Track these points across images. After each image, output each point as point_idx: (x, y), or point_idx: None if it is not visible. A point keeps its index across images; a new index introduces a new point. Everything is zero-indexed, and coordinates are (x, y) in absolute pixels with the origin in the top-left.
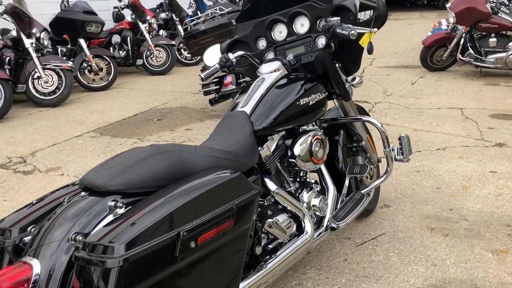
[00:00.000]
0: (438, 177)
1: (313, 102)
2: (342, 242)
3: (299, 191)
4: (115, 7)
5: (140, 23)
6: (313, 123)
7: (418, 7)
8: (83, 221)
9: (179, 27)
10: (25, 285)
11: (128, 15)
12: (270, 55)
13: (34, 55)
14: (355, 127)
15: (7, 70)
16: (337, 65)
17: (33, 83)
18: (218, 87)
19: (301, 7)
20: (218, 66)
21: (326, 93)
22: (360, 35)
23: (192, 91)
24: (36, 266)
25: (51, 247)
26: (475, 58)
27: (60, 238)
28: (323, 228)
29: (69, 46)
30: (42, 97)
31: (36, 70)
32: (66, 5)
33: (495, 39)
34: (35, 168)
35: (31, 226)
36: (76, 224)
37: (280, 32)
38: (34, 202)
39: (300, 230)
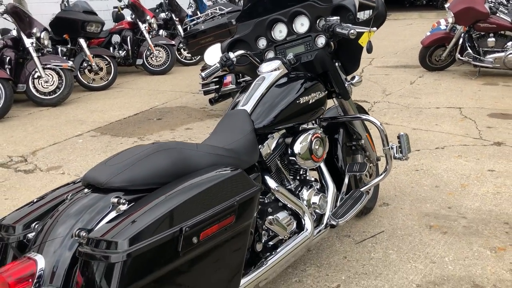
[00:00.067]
0: (436, 175)
1: (313, 100)
2: (342, 239)
3: (299, 189)
4: (115, 7)
5: (140, 23)
6: (313, 122)
7: (417, 7)
8: (86, 218)
9: (179, 27)
10: (30, 280)
11: (128, 15)
12: (270, 54)
13: (34, 54)
14: (354, 125)
15: (7, 70)
16: (336, 64)
17: (33, 83)
18: (218, 86)
19: (301, 6)
20: (218, 65)
21: (326, 92)
22: (360, 35)
23: (192, 90)
24: (41, 262)
25: (55, 243)
26: (473, 58)
27: (64, 234)
28: (323, 225)
29: (69, 45)
30: (43, 96)
31: (37, 69)
32: (66, 5)
33: (493, 39)
34: (36, 167)
35: (35, 223)
36: (80, 220)
37: (280, 32)
38: (37, 199)
39: (300, 227)
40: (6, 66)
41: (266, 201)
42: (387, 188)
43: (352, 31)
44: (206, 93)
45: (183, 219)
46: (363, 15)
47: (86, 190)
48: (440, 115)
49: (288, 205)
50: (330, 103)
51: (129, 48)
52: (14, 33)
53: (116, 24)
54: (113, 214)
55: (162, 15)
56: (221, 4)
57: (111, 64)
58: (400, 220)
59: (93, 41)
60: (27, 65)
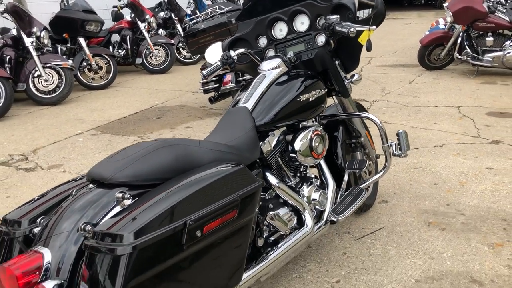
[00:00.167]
0: (435, 173)
1: (313, 98)
2: (342, 236)
3: (300, 185)
4: (114, 6)
5: (139, 22)
6: (313, 119)
7: (416, 6)
8: (91, 212)
9: (178, 26)
10: (37, 273)
11: (127, 14)
12: (271, 52)
13: (34, 53)
14: (354, 123)
15: (7, 69)
16: (336, 62)
17: (33, 82)
18: (217, 85)
19: (301, 5)
20: (220, 64)
21: (326, 90)
22: (359, 33)
23: (191, 89)
24: (47, 255)
25: (61, 237)
26: (472, 57)
27: (69, 228)
28: (323, 221)
29: (68, 45)
30: (43, 95)
31: (37, 68)
32: (66, 4)
33: (492, 38)
34: (37, 165)
35: (41, 218)
36: (85, 215)
37: (280, 30)
38: (42, 195)
39: (301, 223)
40: (6, 65)
41: (267, 197)
42: (386, 185)
43: (352, 29)
44: (206, 92)
45: (187, 213)
46: (362, 13)
47: (90, 185)
48: (438, 114)
49: (288, 201)
50: (330, 101)
51: (129, 47)
52: (14, 32)
53: (116, 23)
54: (117, 209)
55: (162, 14)
56: (220, 3)
57: (111, 63)
58: (399, 217)
59: (92, 40)
60: (27, 64)
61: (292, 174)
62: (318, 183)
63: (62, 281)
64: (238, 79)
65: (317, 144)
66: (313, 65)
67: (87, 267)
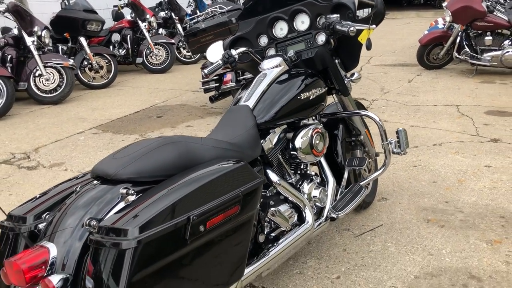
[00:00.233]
0: (434, 171)
1: (314, 96)
2: (341, 233)
3: (300, 182)
4: (114, 6)
5: (139, 22)
6: (313, 117)
7: (415, 6)
8: (96, 208)
9: (178, 26)
10: (43, 267)
11: (127, 13)
12: (272, 51)
13: (35, 53)
14: (354, 121)
15: (9, 68)
16: (336, 61)
17: (34, 81)
18: (218, 84)
19: (302, 4)
20: (221, 62)
21: (326, 88)
22: (359, 32)
23: (192, 89)
24: (53, 250)
25: (66, 233)
26: (471, 56)
27: (74, 224)
28: (323, 218)
29: (69, 44)
30: (44, 94)
31: (38, 68)
32: (67, 3)
33: (490, 38)
34: (38, 163)
35: (46, 214)
36: (89, 211)
37: (281, 29)
38: (46, 191)
39: (301, 220)
40: (8, 65)
41: (268, 194)
42: (386, 183)
43: (352, 28)
44: (206, 91)
45: (190, 208)
46: (362, 13)
47: (95, 182)
48: (437, 113)
49: (289, 198)
50: (330, 99)
51: (129, 46)
52: (15, 31)
53: (116, 22)
54: (122, 205)
55: (162, 14)
56: (221, 3)
57: (112, 62)
58: (399, 214)
59: (93, 40)
60: (28, 63)
61: (292, 171)
62: (318, 181)
63: (68, 275)
64: (238, 78)
65: (317, 142)
66: (313, 63)
67: (92, 262)
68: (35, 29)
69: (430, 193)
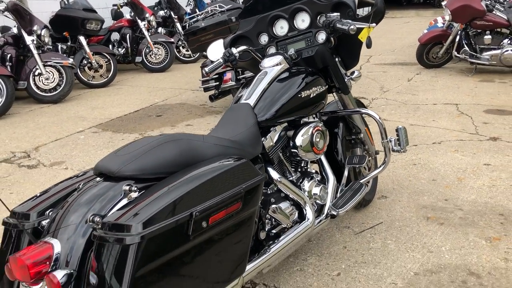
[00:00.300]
0: (434, 169)
1: (314, 95)
2: (342, 230)
3: (301, 180)
4: (114, 5)
5: (139, 21)
6: (314, 116)
7: (414, 5)
8: (99, 205)
9: (178, 25)
10: (47, 262)
11: (127, 12)
12: (272, 49)
13: (35, 52)
14: (354, 119)
15: (8, 67)
16: (336, 59)
17: (34, 80)
18: (218, 83)
19: (302, 3)
20: (222, 61)
21: (326, 86)
22: (359, 30)
23: (191, 88)
24: (57, 246)
25: (69, 229)
26: (470, 55)
27: (78, 220)
28: (323, 215)
29: (69, 43)
30: (43, 93)
31: (37, 67)
32: (66, 2)
33: (490, 36)
34: (39, 162)
35: (49, 210)
36: (92, 207)
37: (281, 28)
38: (49, 189)
39: (302, 217)
40: (7, 63)
41: (269, 192)
42: (386, 181)
43: (352, 26)
44: (206, 89)
45: (193, 204)
46: (362, 11)
47: (97, 179)
48: (437, 111)
49: (290, 196)
50: (330, 98)
51: (128, 45)
52: (15, 30)
53: (115, 21)
54: (124, 201)
55: (161, 13)
56: (220, 2)
57: (111, 61)
58: (398, 212)
59: (92, 39)
60: (27, 62)
61: (293, 169)
62: (318, 178)
63: (72, 271)
64: (238, 77)
65: (317, 139)
66: (313, 62)
67: (96, 257)
68: (35, 28)
69: (429, 191)
